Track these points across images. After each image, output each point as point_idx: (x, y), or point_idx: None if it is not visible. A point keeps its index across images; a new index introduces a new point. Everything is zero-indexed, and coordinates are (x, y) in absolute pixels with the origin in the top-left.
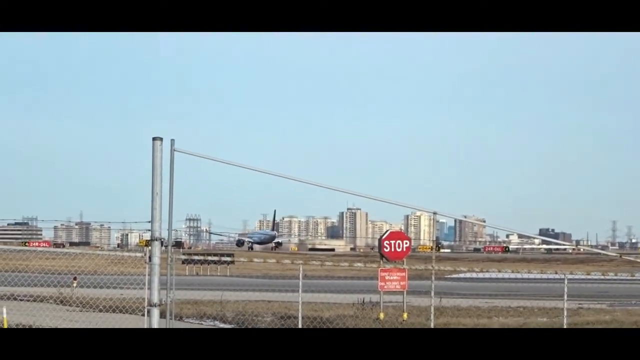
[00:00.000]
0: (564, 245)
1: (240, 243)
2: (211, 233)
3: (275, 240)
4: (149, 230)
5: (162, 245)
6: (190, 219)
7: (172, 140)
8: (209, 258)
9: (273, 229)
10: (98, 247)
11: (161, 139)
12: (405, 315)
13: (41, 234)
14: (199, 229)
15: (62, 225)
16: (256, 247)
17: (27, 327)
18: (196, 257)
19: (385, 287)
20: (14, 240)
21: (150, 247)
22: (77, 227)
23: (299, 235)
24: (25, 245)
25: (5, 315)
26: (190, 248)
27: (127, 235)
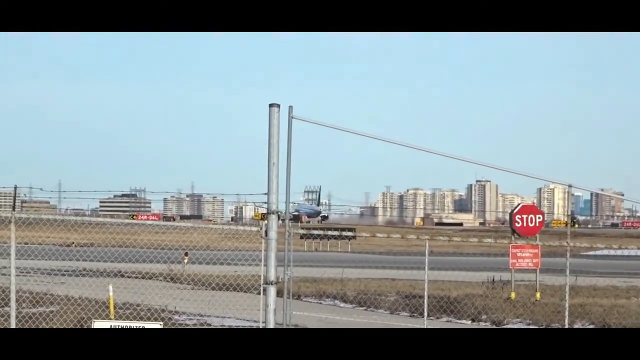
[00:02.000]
0: None
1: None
2: (327, 205)
3: (322, 215)
4: (265, 202)
5: (279, 218)
6: (308, 191)
7: (290, 107)
8: (329, 233)
9: (318, 205)
10: (211, 220)
11: (278, 106)
12: (538, 294)
13: (150, 207)
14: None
15: (172, 197)
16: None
17: (135, 305)
18: (315, 232)
19: (517, 264)
20: (121, 213)
21: (266, 221)
22: (188, 199)
23: (424, 207)
24: (133, 219)
25: (111, 293)
26: (309, 222)
27: (241, 208)
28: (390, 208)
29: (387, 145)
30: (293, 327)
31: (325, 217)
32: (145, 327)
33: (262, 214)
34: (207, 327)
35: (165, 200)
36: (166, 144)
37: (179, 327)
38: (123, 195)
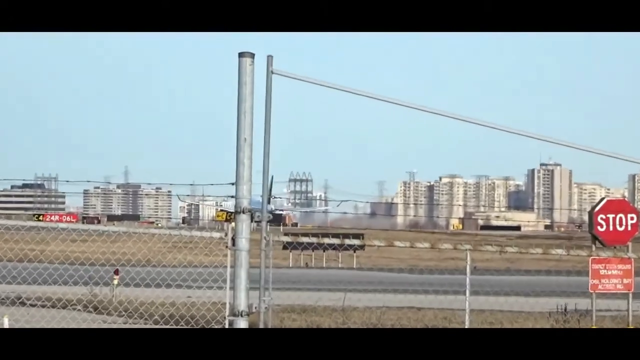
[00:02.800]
0: None
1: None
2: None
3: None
4: (231, 197)
5: (252, 220)
6: (295, 180)
7: (270, 58)
8: (326, 241)
9: (269, 201)
10: (153, 222)
11: (252, 56)
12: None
13: (64, 203)
14: (309, 195)
15: (96, 189)
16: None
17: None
18: (305, 240)
19: (600, 286)
20: (22, 213)
21: (234, 224)
22: (119, 191)
23: (464, 204)
24: (39, 220)
25: (7, 325)
26: (296, 225)
27: (197, 205)
28: (415, 204)
29: (408, 114)
30: None
31: (278, 216)
32: None
33: (227, 213)
34: None
35: (85, 193)
36: (88, 116)
37: None
38: (25, 186)
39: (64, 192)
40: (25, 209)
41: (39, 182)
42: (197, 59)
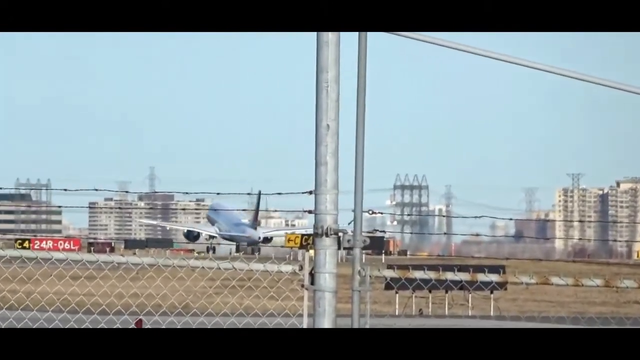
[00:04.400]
0: None
1: (191, 236)
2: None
3: (259, 236)
4: (308, 212)
5: (340, 246)
6: (403, 187)
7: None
8: (449, 276)
9: (255, 221)
10: (192, 250)
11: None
12: None
13: (60, 222)
14: (424, 208)
15: (107, 201)
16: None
17: None
18: (419, 275)
19: None
20: None
21: (312, 252)
22: (142, 204)
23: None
24: (24, 248)
25: None
26: (405, 253)
27: (262, 221)
28: (581, 221)
29: (568, 86)
30: None
31: (267, 240)
32: None
33: (302, 236)
34: None
35: (92, 207)
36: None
37: None
38: (2, 198)
39: (59, 206)
40: (3, 231)
41: (22, 192)
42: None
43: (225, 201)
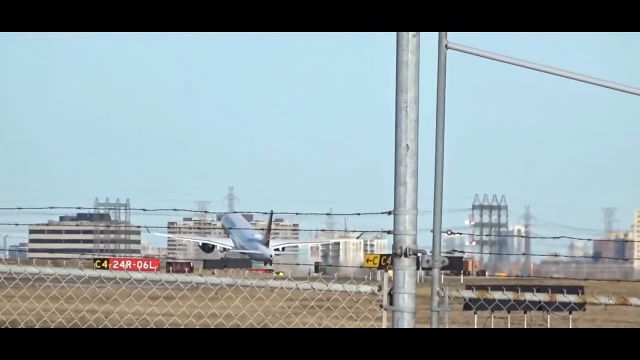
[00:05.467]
0: None
1: (206, 248)
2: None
3: (271, 254)
4: (387, 232)
5: (418, 267)
6: (481, 207)
7: (442, 32)
8: (528, 297)
9: (267, 238)
10: (271, 270)
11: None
12: None
13: (139, 242)
14: (503, 229)
15: (186, 221)
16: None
17: None
18: (497, 295)
19: None
20: (76, 257)
21: (390, 272)
22: (220, 224)
23: None
24: (103, 268)
25: None
26: (484, 273)
27: (335, 246)
28: None
29: None
30: None
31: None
32: None
33: (380, 257)
34: None
35: (171, 227)
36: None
37: None
38: (80, 217)
39: (138, 226)
40: (82, 251)
41: (101, 212)
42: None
43: (289, 218)
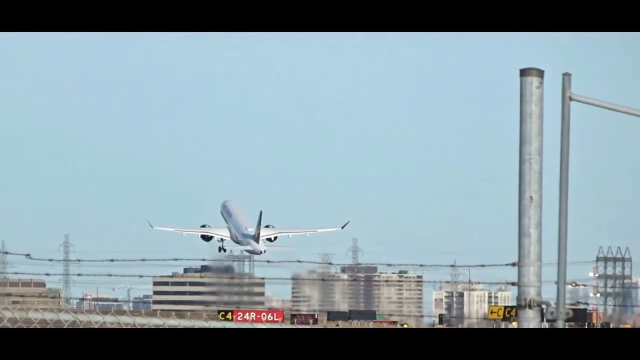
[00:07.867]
0: None
1: (206, 239)
2: None
3: (261, 250)
4: (511, 284)
5: (542, 318)
6: (606, 259)
7: (566, 77)
8: None
9: (257, 236)
10: (394, 322)
11: (540, 74)
12: None
13: (262, 294)
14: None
15: (311, 273)
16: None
17: None
18: None
19: None
20: (201, 309)
21: (515, 324)
22: (345, 276)
23: None
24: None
25: None
26: (608, 325)
27: (459, 297)
28: None
29: None
30: None
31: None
32: None
33: (505, 308)
34: None
35: (294, 278)
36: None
37: None
38: (204, 269)
39: (262, 277)
40: (207, 303)
41: (226, 263)
42: None
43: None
